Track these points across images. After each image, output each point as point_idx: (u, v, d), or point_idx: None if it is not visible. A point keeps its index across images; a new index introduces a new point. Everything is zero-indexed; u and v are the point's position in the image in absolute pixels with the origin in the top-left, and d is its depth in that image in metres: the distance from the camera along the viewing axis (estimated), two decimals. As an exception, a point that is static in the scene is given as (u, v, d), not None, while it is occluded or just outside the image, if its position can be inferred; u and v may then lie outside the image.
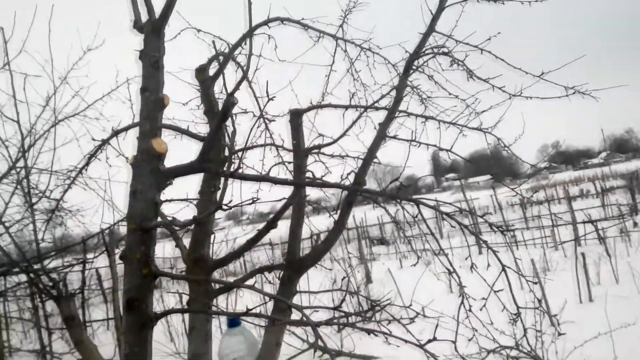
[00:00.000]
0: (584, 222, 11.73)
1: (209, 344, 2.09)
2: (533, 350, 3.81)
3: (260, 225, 2.55)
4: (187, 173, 1.51)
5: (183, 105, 3.51)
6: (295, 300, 2.53)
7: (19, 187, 3.80)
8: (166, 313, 1.45)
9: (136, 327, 1.38)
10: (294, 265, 2.29)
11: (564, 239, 11.94)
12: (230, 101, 1.38)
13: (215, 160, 2.07)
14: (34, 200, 3.75)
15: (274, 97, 1.41)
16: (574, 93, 2.68)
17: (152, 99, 1.61)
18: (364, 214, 21.20)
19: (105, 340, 8.16)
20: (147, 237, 1.44)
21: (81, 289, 8.73)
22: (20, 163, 3.66)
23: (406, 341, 1.58)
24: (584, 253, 6.89)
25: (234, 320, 2.44)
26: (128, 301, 1.39)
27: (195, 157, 1.51)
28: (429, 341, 1.62)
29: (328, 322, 1.53)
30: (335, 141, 3.34)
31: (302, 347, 6.01)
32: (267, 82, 1.42)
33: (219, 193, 2.20)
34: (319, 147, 3.26)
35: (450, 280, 8.66)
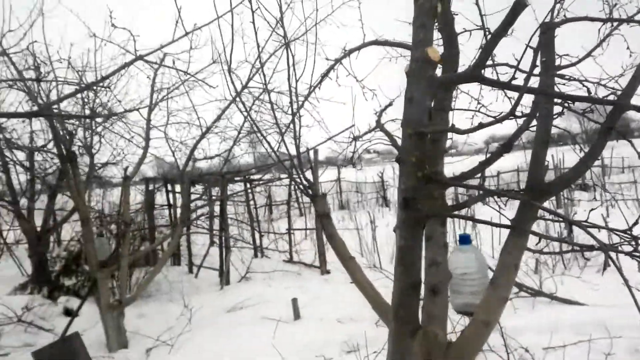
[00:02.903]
0: None
1: (446, 254, 2.17)
2: None
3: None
4: (461, 82, 1.51)
5: (409, 25, 3.48)
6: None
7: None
8: (435, 214, 1.53)
9: (410, 223, 1.50)
10: (535, 190, 2.19)
11: None
12: (522, 2, 1.30)
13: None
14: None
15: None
16: None
17: (427, 7, 1.61)
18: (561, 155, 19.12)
19: (304, 246, 9.28)
20: (421, 142, 1.51)
21: (288, 201, 9.84)
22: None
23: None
24: None
25: (465, 238, 2.50)
26: (404, 200, 1.50)
27: (470, 66, 1.49)
28: None
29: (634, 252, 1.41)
30: (578, 62, 2.98)
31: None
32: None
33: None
34: (559, 67, 2.95)
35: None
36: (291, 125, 3.16)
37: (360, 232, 8.61)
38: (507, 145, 2.58)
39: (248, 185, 8.94)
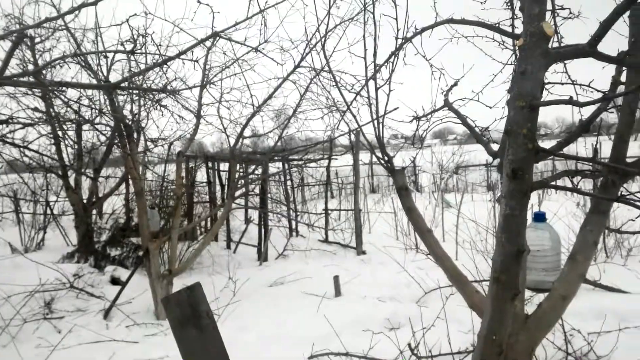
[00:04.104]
0: None
1: (526, 230, 2.23)
2: None
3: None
4: (576, 57, 1.54)
5: (481, 3, 3.46)
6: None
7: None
8: (541, 186, 1.57)
9: (518, 194, 1.55)
10: (618, 170, 2.21)
11: None
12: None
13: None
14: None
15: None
16: None
17: (540, -17, 1.64)
18: None
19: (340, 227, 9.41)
20: (533, 115, 1.55)
21: (326, 182, 9.89)
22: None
23: None
24: None
25: (540, 216, 2.54)
26: (513, 170, 1.55)
27: (587, 41, 1.52)
28: None
29: None
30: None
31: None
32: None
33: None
34: None
35: None
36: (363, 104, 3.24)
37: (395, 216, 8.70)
38: (585, 125, 2.60)
39: (286, 166, 9.07)
